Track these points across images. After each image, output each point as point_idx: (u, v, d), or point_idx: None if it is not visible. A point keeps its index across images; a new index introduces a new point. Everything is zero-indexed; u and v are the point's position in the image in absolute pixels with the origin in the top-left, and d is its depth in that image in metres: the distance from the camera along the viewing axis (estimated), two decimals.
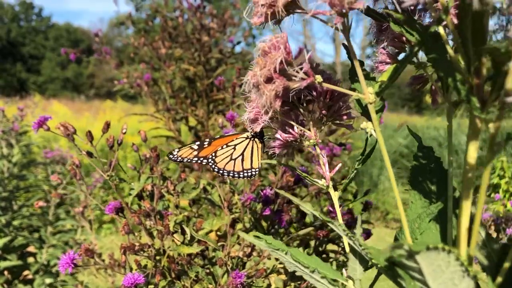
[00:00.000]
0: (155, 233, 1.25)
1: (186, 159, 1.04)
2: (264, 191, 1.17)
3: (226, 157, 1.00)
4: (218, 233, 1.30)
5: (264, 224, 1.21)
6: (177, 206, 1.29)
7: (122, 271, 1.55)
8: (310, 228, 1.25)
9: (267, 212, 1.20)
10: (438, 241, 0.60)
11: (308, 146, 0.70)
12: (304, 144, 0.70)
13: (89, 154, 1.18)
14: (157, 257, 1.19)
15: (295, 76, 0.53)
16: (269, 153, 0.74)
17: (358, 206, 3.92)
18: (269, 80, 0.52)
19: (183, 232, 1.23)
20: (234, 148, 0.99)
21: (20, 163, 2.99)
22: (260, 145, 0.97)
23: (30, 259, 2.78)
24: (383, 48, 0.61)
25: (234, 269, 1.20)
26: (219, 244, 1.27)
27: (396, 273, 0.49)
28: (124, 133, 1.22)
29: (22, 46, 32.79)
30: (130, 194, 1.21)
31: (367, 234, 1.27)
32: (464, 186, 0.52)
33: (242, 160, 0.99)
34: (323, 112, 0.68)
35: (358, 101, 0.64)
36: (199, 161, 1.03)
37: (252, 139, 0.97)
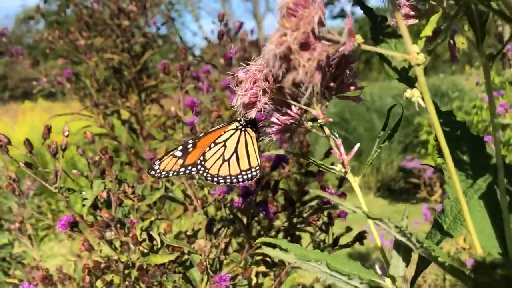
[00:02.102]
0: (117, 243, 1.11)
1: (172, 172, 0.85)
2: None
3: (217, 159, 0.83)
4: (188, 233, 1.18)
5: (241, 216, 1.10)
6: (136, 210, 1.16)
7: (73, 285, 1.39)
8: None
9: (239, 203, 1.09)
10: (487, 222, 0.53)
11: (312, 127, 0.60)
12: (307, 126, 0.60)
13: (28, 165, 1.01)
14: (126, 271, 1.05)
15: (332, 40, 0.41)
16: (265, 142, 0.63)
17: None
18: (303, 46, 0.41)
19: (151, 239, 1.09)
20: (225, 145, 0.82)
21: None
22: (253, 135, 0.81)
23: None
24: None
25: (214, 270, 1.09)
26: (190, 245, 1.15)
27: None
28: (67, 136, 1.06)
29: None
30: (83, 205, 1.06)
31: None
32: None
33: (237, 159, 0.82)
34: (331, 84, 0.58)
35: (390, 64, 0.55)
36: (187, 172, 0.85)
37: (243, 129, 0.81)
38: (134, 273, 1.05)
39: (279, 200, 1.20)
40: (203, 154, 0.83)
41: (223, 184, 0.84)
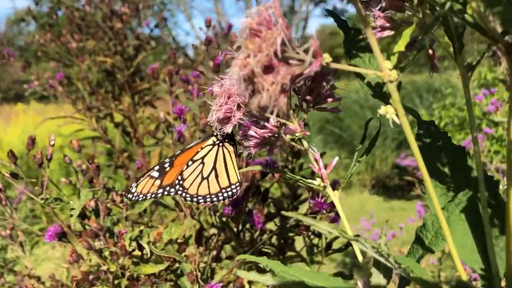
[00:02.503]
0: (106, 253, 1.09)
1: (150, 194, 0.82)
2: None
3: (196, 178, 0.79)
4: (179, 240, 1.17)
5: (233, 225, 1.08)
6: (126, 218, 1.14)
7: None
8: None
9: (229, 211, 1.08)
10: (469, 236, 0.52)
11: (290, 140, 0.59)
12: (286, 139, 0.59)
13: (14, 176, 0.99)
14: (115, 281, 1.04)
15: (298, 60, 0.40)
16: (244, 156, 0.62)
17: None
18: (267, 69, 0.39)
19: (141, 248, 1.08)
20: (203, 163, 0.79)
21: None
22: (232, 149, 0.78)
23: None
24: (380, 10, 0.51)
25: (205, 279, 1.08)
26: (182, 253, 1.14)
27: None
28: (53, 145, 1.04)
29: None
30: (71, 215, 1.04)
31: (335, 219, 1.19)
32: (510, 167, 0.43)
33: (216, 176, 0.79)
34: (307, 97, 0.57)
35: (364, 79, 0.54)
36: (166, 193, 0.81)
37: (220, 144, 0.78)
38: (124, 282, 1.04)
39: (271, 206, 1.19)
40: (181, 173, 0.80)
41: (203, 204, 0.81)
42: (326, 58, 0.40)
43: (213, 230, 1.20)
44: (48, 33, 2.85)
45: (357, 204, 5.84)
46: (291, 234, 1.34)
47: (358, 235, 0.42)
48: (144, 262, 1.07)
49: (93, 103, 2.78)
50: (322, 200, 1.00)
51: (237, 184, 0.80)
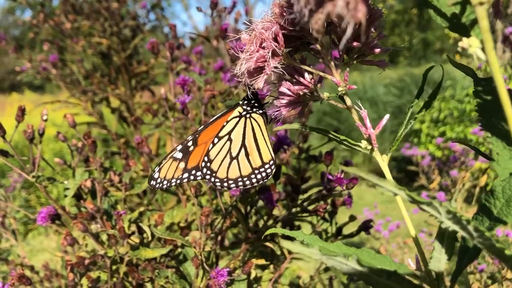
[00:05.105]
0: (104, 237, 1.02)
1: (175, 180, 0.72)
2: None
3: (224, 158, 0.69)
4: (181, 224, 1.09)
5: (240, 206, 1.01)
6: (125, 201, 1.06)
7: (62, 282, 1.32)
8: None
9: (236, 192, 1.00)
10: None
11: (328, 98, 0.52)
12: (323, 96, 0.51)
13: (4, 154, 0.91)
14: (113, 266, 0.96)
15: None
16: (272, 118, 0.54)
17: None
18: None
19: (141, 231, 1.00)
20: (230, 139, 0.68)
21: None
22: (261, 120, 0.67)
23: None
24: None
25: (210, 264, 1.01)
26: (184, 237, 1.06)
27: None
28: (46, 120, 0.96)
29: None
30: (65, 196, 0.96)
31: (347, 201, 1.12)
32: None
33: (247, 154, 0.68)
34: (354, 44, 0.48)
35: (438, 11, 0.46)
36: (192, 177, 0.71)
37: (247, 116, 0.67)
38: (123, 268, 0.96)
39: (278, 188, 1.11)
40: (207, 153, 0.70)
41: (234, 188, 0.70)
42: None
43: (217, 214, 1.13)
44: (41, 13, 2.75)
45: (355, 196, 5.76)
46: (296, 223, 1.27)
47: (431, 199, 0.34)
48: (144, 246, 0.99)
49: (88, 87, 2.69)
50: (342, 176, 0.92)
51: (271, 162, 0.70)
